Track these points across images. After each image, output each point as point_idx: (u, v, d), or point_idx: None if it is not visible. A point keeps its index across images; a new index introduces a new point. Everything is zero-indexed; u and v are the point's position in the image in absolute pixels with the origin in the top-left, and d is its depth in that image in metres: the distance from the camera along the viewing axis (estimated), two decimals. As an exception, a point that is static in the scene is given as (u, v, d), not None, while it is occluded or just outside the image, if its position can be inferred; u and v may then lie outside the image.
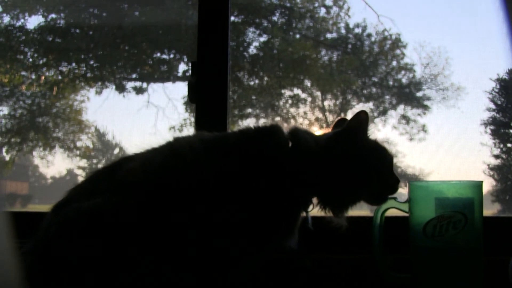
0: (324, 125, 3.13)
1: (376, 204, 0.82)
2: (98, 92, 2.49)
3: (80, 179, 0.79)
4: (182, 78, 2.53)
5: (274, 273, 0.95)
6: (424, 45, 2.63)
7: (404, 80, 2.88)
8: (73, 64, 2.46)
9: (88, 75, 2.51)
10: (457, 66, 2.59)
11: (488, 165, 2.29)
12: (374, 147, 0.81)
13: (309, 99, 2.72)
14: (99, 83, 2.48)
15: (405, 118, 2.91)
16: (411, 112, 2.89)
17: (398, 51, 2.79)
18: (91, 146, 2.94)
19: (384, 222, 0.84)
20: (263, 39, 2.59)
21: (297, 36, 2.64)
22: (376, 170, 0.80)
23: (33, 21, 2.54)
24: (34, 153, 3.02)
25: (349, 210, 0.81)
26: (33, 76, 2.50)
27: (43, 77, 2.49)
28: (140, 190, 0.67)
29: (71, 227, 0.65)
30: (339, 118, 0.91)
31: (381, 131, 3.05)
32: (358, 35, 2.80)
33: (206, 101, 1.11)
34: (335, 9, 2.75)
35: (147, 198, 0.67)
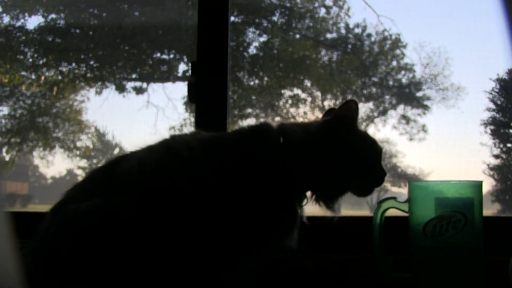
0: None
1: (363, 196, 0.82)
2: (98, 92, 2.49)
3: (80, 179, 0.79)
4: (182, 78, 2.53)
5: (274, 273, 0.95)
6: (424, 45, 2.63)
7: (404, 80, 2.88)
8: (73, 64, 2.46)
9: (88, 75, 2.51)
10: (457, 66, 2.59)
11: (488, 165, 2.29)
12: (363, 137, 0.81)
13: (309, 99, 2.72)
14: (99, 83, 2.48)
15: (405, 118, 2.91)
16: (411, 112, 2.89)
17: (398, 51, 2.79)
18: (91, 146, 2.94)
19: (384, 222, 0.84)
20: (263, 39, 2.59)
21: (297, 36, 2.64)
22: (366, 160, 0.80)
23: (33, 21, 2.55)
24: (34, 153, 3.02)
25: (338, 200, 0.81)
26: (33, 76, 2.50)
27: (43, 77, 2.49)
28: (138, 189, 0.67)
29: (70, 228, 0.65)
30: (329, 107, 0.91)
31: (381, 131, 3.06)
32: (358, 35, 2.80)
33: (206, 101, 1.11)
34: (335, 9, 2.75)
35: (145, 197, 0.67)
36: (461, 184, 0.77)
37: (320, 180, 0.77)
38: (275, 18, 2.59)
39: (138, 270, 0.65)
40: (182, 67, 2.57)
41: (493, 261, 0.84)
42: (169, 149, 0.73)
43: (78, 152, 2.96)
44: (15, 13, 2.50)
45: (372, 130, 3.17)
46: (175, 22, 2.34)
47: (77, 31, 2.45)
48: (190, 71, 1.16)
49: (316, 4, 2.73)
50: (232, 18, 1.77)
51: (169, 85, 2.65)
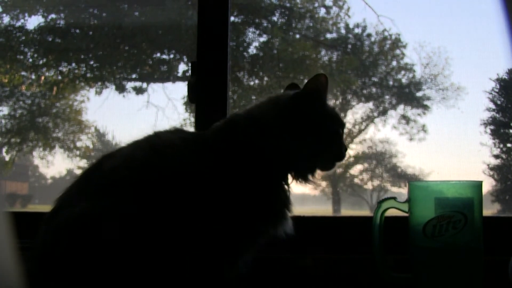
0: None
1: (326, 170, 0.82)
2: (98, 92, 2.49)
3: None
4: (182, 78, 2.53)
5: (274, 273, 0.95)
6: (424, 45, 2.63)
7: (404, 80, 2.88)
8: (73, 64, 2.46)
9: (88, 75, 2.51)
10: (457, 66, 2.59)
11: (488, 165, 2.29)
12: (331, 112, 0.82)
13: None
14: (99, 83, 2.48)
15: (405, 118, 2.91)
16: (411, 112, 2.89)
17: (398, 51, 2.79)
18: (91, 146, 2.94)
19: (384, 222, 0.84)
20: (263, 39, 2.59)
21: (297, 36, 2.64)
22: (334, 135, 0.80)
23: (33, 21, 2.54)
24: (34, 153, 3.02)
25: (315, 175, 0.81)
26: (33, 76, 2.50)
27: (43, 77, 2.49)
28: (125, 185, 0.67)
29: (64, 236, 0.65)
30: (290, 83, 0.91)
31: (381, 131, 3.06)
32: (358, 35, 2.80)
33: (206, 101, 1.12)
34: (335, 9, 2.75)
35: (132, 194, 0.67)
36: (461, 184, 0.77)
37: (296, 154, 0.77)
38: (275, 18, 2.59)
39: (137, 269, 0.65)
40: (182, 67, 2.57)
41: (493, 261, 0.84)
42: (152, 146, 0.73)
43: (78, 152, 2.95)
44: (15, 13, 2.50)
45: (372, 130, 3.17)
46: (175, 22, 2.33)
47: (77, 31, 2.45)
48: (190, 71, 1.16)
49: (316, 4, 2.73)
50: (232, 18, 1.76)
51: (169, 85, 2.65)
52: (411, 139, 2.99)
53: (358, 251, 0.95)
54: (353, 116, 3.14)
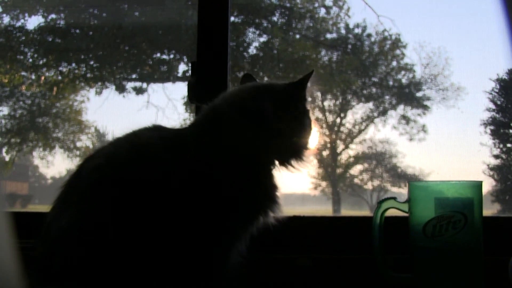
0: (324, 125, 3.14)
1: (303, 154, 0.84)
2: (98, 93, 2.49)
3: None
4: (182, 78, 2.53)
5: (274, 273, 0.95)
6: (424, 45, 2.63)
7: (404, 80, 2.88)
8: (73, 65, 2.46)
9: (88, 75, 2.51)
10: (457, 66, 2.60)
11: (488, 165, 2.29)
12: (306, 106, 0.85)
13: (309, 99, 2.72)
14: (99, 83, 2.48)
15: (405, 118, 2.91)
16: (411, 112, 2.89)
17: (398, 51, 2.80)
18: (91, 146, 2.94)
19: (384, 222, 0.84)
20: (263, 39, 2.59)
21: (297, 36, 2.64)
22: (311, 125, 0.84)
23: (33, 22, 2.55)
24: (34, 153, 3.02)
25: (302, 161, 0.81)
26: (33, 77, 2.50)
27: (43, 78, 2.49)
28: (108, 185, 0.67)
29: (57, 251, 0.65)
30: (245, 73, 0.92)
31: (381, 131, 3.06)
32: (358, 35, 2.80)
33: (206, 101, 1.11)
34: (335, 10, 2.75)
35: (118, 193, 0.66)
36: (461, 184, 0.77)
37: (285, 141, 0.78)
38: (275, 18, 2.59)
39: (130, 268, 0.65)
40: (182, 67, 2.57)
41: (493, 261, 0.84)
42: (133, 145, 0.72)
43: (78, 152, 2.95)
44: (15, 13, 2.50)
45: (372, 130, 3.17)
46: (175, 22, 2.34)
47: (77, 31, 2.45)
48: (190, 71, 1.16)
49: (316, 4, 2.73)
50: (232, 18, 1.77)
51: (169, 85, 2.65)
52: (411, 139, 3.00)
53: (358, 251, 0.95)
54: (353, 116, 3.14)
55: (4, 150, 2.84)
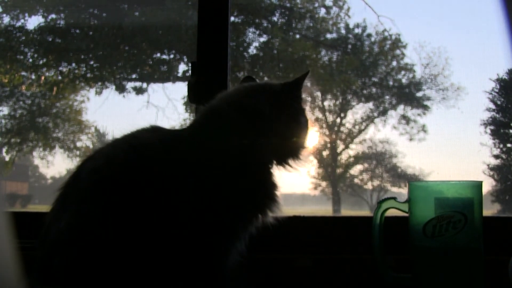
0: (324, 125, 3.14)
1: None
2: (98, 92, 2.49)
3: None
4: (182, 78, 2.53)
5: (274, 273, 0.95)
6: (424, 45, 2.64)
7: (404, 80, 2.88)
8: (73, 65, 2.46)
9: (88, 75, 2.51)
10: (457, 66, 2.60)
11: (488, 165, 2.29)
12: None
13: (309, 99, 2.72)
14: (99, 83, 2.48)
15: (405, 118, 2.91)
16: (411, 112, 2.89)
17: (398, 51, 2.80)
18: (91, 146, 2.94)
19: (384, 222, 0.84)
20: (263, 39, 2.59)
21: (297, 36, 2.64)
22: (307, 124, 0.84)
23: (33, 22, 2.55)
24: (34, 153, 3.02)
25: (299, 160, 0.82)
26: (33, 77, 2.50)
27: (43, 78, 2.49)
28: (108, 186, 0.67)
29: (56, 253, 0.65)
30: (246, 76, 0.92)
31: (381, 131, 3.06)
32: (358, 35, 2.80)
33: (206, 101, 1.11)
34: (335, 10, 2.75)
35: (117, 194, 0.66)
36: (461, 184, 0.77)
37: (282, 140, 0.79)
38: (275, 18, 2.59)
39: (130, 268, 0.65)
40: (182, 67, 2.57)
41: (493, 261, 0.84)
42: (132, 146, 0.72)
43: (78, 152, 2.96)
44: (15, 13, 2.50)
45: (372, 130, 3.17)
46: (175, 22, 2.34)
47: (77, 31, 2.45)
48: (190, 71, 1.16)
49: (316, 4, 2.73)
50: (232, 18, 1.77)
51: (169, 85, 2.65)
52: (411, 139, 3.00)
53: (358, 251, 0.95)
54: (353, 116, 3.14)
55: (4, 150, 2.84)
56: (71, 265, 0.64)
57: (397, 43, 2.78)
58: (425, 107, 2.87)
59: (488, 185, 2.35)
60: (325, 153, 3.34)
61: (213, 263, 0.72)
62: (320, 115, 3.02)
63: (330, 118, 3.18)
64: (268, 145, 0.77)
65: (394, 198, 0.84)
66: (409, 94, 2.87)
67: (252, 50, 2.56)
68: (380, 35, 2.78)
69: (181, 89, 2.88)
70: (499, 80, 2.07)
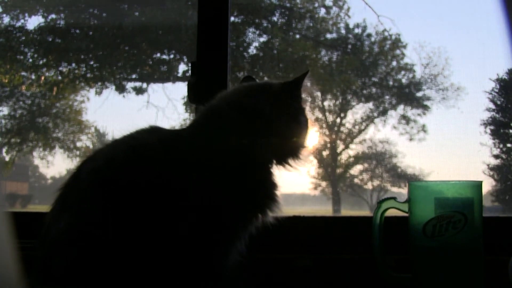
0: (324, 125, 3.14)
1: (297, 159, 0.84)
2: (98, 93, 2.49)
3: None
4: (182, 78, 2.54)
5: (274, 273, 0.95)
6: (424, 45, 2.64)
7: (404, 80, 2.88)
8: (73, 65, 2.46)
9: (88, 75, 2.51)
10: (457, 66, 2.60)
11: (488, 165, 2.29)
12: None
13: (309, 99, 2.72)
14: (99, 83, 2.48)
15: (405, 118, 2.92)
16: (411, 112, 2.90)
17: (398, 51, 2.80)
18: (91, 146, 2.94)
19: (384, 222, 0.84)
20: (263, 39, 2.59)
21: (297, 36, 2.64)
22: (307, 123, 0.84)
23: (33, 22, 2.55)
24: (34, 153, 3.03)
25: (299, 159, 0.81)
26: (33, 77, 2.50)
27: (43, 78, 2.49)
28: (108, 187, 0.67)
29: (56, 253, 0.65)
30: (246, 76, 0.92)
31: (381, 131, 3.06)
32: (358, 35, 2.80)
33: (206, 101, 1.11)
34: (335, 10, 2.76)
35: (117, 194, 0.66)
36: (461, 184, 0.77)
37: (282, 139, 0.79)
38: (275, 18, 2.59)
39: (130, 268, 0.65)
40: (182, 67, 2.58)
41: (493, 261, 0.84)
42: (131, 148, 0.72)
43: (78, 152, 2.96)
44: (15, 13, 2.50)
45: (372, 130, 3.18)
46: (175, 22, 2.34)
47: (77, 31, 2.45)
48: (190, 71, 1.16)
49: (316, 4, 2.73)
50: (232, 18, 1.77)
51: (169, 85, 2.65)
52: (411, 139, 3.00)
53: (358, 251, 0.95)
54: (353, 116, 3.14)
55: (4, 150, 2.84)
56: (71, 266, 0.64)
57: (397, 43, 2.79)
58: (425, 107, 2.87)
59: (488, 185, 2.35)
60: (325, 153, 3.34)
61: (213, 263, 0.72)
62: (320, 115, 3.02)
63: (330, 118, 3.18)
64: (268, 145, 0.77)
65: (394, 198, 0.84)
66: (409, 94, 2.87)
67: (252, 50, 2.56)
68: (380, 35, 2.78)
69: (181, 89, 2.88)
70: (499, 80, 2.07)
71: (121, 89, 2.56)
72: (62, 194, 0.72)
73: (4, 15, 2.53)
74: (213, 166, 0.72)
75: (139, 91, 2.61)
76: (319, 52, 2.71)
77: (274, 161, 0.79)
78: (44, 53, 2.45)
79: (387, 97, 2.92)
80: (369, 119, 3.02)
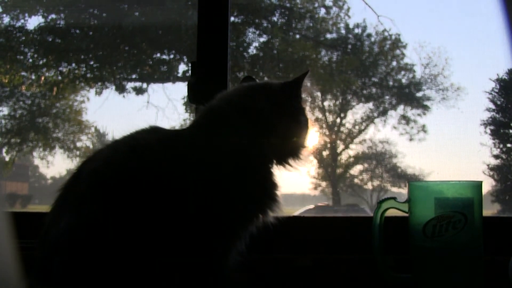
0: (324, 125, 3.14)
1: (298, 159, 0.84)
2: (98, 93, 2.49)
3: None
4: (182, 79, 2.54)
5: (274, 273, 0.95)
6: (424, 45, 2.64)
7: (404, 80, 2.88)
8: (73, 65, 2.46)
9: (88, 75, 2.51)
10: (457, 66, 2.60)
11: (488, 165, 2.29)
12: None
13: (309, 99, 2.72)
14: (99, 83, 2.49)
15: (405, 118, 2.92)
16: (411, 112, 2.90)
17: (398, 51, 2.80)
18: (91, 146, 2.95)
19: (384, 222, 0.84)
20: (263, 39, 2.59)
21: (297, 36, 2.64)
22: (307, 123, 0.84)
23: (33, 22, 2.55)
24: (34, 153, 3.03)
25: (299, 159, 0.82)
26: (33, 77, 2.50)
27: (43, 78, 2.49)
28: (108, 188, 0.67)
29: (56, 253, 0.65)
30: (245, 76, 0.92)
31: (381, 131, 3.06)
32: (358, 36, 2.80)
33: (206, 101, 1.11)
34: (335, 10, 2.76)
35: (116, 195, 0.66)
36: (461, 184, 0.77)
37: (282, 139, 0.79)
38: (275, 18, 2.59)
39: (130, 268, 0.65)
40: (182, 67, 2.58)
41: (493, 261, 0.84)
42: (131, 149, 0.72)
43: (78, 152, 2.96)
44: (15, 13, 2.50)
45: (372, 131, 3.18)
46: (175, 22, 2.34)
47: (77, 31, 2.45)
48: (190, 71, 1.16)
49: (316, 5, 2.73)
50: (232, 18, 1.77)
51: (169, 85, 2.65)
52: (411, 139, 3.01)
53: (358, 251, 0.95)
54: (353, 116, 3.15)
55: (4, 150, 2.84)
56: (70, 266, 0.64)
57: (397, 43, 2.79)
58: (425, 107, 2.87)
59: (488, 185, 2.35)
60: (325, 153, 3.34)
61: (213, 262, 0.72)
62: (320, 115, 3.03)
63: (330, 118, 3.18)
64: (268, 145, 0.77)
65: (394, 198, 0.84)
66: (409, 94, 2.87)
67: (252, 50, 2.56)
68: (380, 35, 2.79)
69: (181, 89, 2.89)
70: (499, 80, 2.07)
71: (121, 89, 2.56)
72: (62, 195, 0.72)
73: (4, 15, 2.53)
74: (213, 167, 0.72)
75: (139, 91, 2.61)
76: (319, 52, 2.71)
77: (274, 161, 0.79)
78: (44, 53, 2.45)
79: (387, 97, 2.92)
80: (369, 119, 3.02)
